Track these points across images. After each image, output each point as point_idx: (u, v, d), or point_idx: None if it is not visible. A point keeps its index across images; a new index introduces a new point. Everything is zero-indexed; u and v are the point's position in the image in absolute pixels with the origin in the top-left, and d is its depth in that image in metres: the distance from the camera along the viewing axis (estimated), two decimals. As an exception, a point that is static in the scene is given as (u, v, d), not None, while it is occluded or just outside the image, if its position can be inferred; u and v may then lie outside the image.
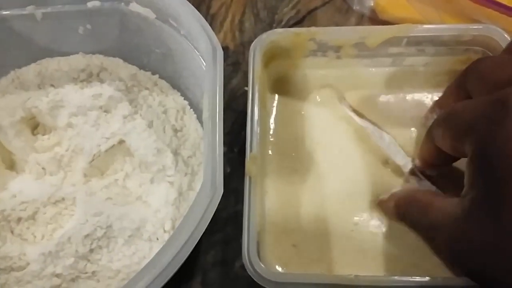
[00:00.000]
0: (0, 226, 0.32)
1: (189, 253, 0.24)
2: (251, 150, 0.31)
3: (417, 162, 0.32)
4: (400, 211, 0.30)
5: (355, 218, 0.32)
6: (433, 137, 0.29)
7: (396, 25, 0.35)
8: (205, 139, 0.27)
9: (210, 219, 0.25)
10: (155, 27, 0.35)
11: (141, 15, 0.35)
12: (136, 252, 0.31)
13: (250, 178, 0.30)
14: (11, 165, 0.37)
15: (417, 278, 0.27)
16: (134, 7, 0.35)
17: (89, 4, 0.35)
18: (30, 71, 0.38)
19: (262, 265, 0.28)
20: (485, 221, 0.23)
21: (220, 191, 0.26)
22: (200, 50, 0.32)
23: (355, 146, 0.34)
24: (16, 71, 0.38)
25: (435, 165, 0.31)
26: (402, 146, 0.34)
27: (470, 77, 0.28)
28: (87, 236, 0.31)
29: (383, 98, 0.36)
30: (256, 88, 0.33)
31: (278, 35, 0.35)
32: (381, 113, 0.36)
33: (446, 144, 0.27)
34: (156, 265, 0.23)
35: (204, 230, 0.25)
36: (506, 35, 0.33)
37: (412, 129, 0.35)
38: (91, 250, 0.31)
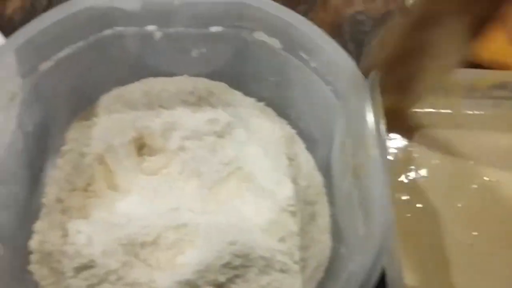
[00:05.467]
0: (125, 251, 0.31)
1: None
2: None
3: None
4: None
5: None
6: None
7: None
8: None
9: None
10: (279, 56, 0.35)
11: (265, 44, 0.35)
12: (271, 282, 0.31)
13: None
14: (113, 186, 0.35)
15: None
16: (260, 35, 0.35)
17: (212, 29, 0.35)
18: (135, 90, 0.37)
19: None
20: None
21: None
22: (333, 84, 0.33)
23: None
24: (119, 89, 0.37)
25: None
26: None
27: None
28: (225, 264, 0.30)
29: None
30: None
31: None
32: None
33: None
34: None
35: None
36: None
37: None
38: (229, 280, 0.30)
